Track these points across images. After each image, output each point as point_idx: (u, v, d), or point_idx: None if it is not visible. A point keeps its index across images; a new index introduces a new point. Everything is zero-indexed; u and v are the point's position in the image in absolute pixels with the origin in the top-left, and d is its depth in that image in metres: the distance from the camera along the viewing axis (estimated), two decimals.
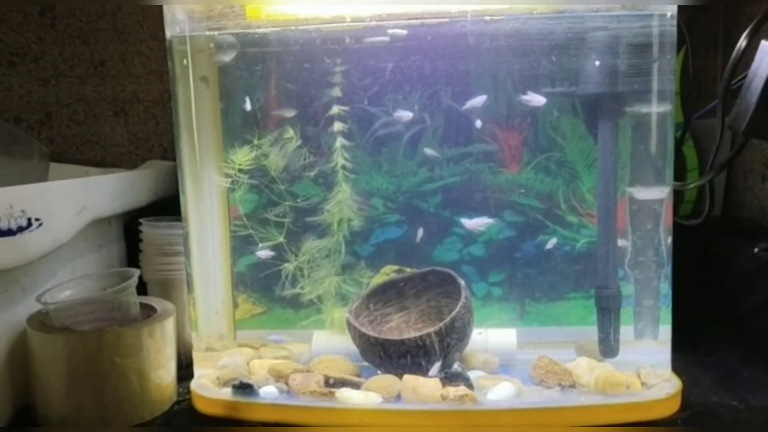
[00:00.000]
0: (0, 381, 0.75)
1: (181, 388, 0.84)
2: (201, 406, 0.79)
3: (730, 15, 1.22)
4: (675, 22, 0.75)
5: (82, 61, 1.38)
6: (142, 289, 0.92)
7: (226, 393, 0.78)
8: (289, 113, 0.84)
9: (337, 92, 0.83)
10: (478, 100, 0.80)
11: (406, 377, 0.75)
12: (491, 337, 0.84)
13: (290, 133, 0.84)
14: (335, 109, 0.83)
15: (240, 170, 0.85)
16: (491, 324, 0.85)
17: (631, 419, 0.73)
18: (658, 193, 0.78)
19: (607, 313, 0.80)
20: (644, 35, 0.75)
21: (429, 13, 0.78)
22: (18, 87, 1.39)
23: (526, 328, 0.86)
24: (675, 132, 0.81)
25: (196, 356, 0.85)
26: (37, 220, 0.73)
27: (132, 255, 1.08)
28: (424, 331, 0.77)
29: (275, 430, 0.75)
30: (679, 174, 1.04)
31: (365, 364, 0.81)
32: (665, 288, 0.79)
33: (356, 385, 0.77)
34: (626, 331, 0.81)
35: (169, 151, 1.38)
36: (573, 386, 0.76)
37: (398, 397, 0.75)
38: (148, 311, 0.83)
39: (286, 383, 0.79)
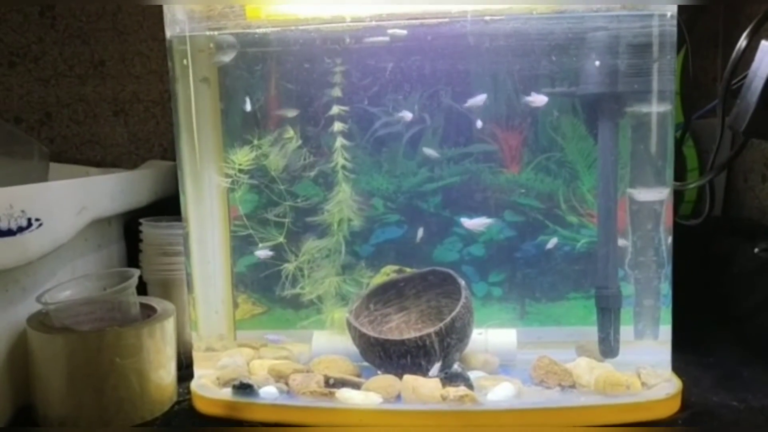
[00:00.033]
0: (0, 381, 0.75)
1: (181, 388, 0.84)
2: (201, 407, 0.79)
3: (730, 15, 1.22)
4: (675, 22, 0.75)
5: (82, 61, 1.38)
6: (142, 289, 0.92)
7: (226, 393, 0.78)
8: (290, 113, 0.84)
9: (337, 92, 0.83)
10: (479, 99, 0.80)
11: (406, 377, 0.75)
12: (491, 337, 0.84)
13: (290, 133, 0.84)
14: (335, 109, 0.83)
15: (240, 170, 0.85)
16: (491, 324, 0.85)
17: (631, 419, 0.72)
18: (658, 193, 0.78)
19: (608, 313, 0.79)
20: (644, 35, 0.75)
21: (429, 13, 0.78)
22: (18, 87, 1.39)
23: (526, 328, 0.86)
24: (675, 132, 0.81)
25: (196, 356, 0.85)
26: (37, 220, 0.73)
27: (132, 255, 1.08)
28: (424, 332, 0.77)
29: (275, 430, 0.75)
30: (679, 174, 1.04)
31: (365, 364, 0.81)
32: (665, 288, 0.79)
33: (356, 386, 0.77)
34: (626, 331, 0.81)
35: (169, 151, 1.38)
36: (573, 386, 0.76)
37: (398, 397, 0.75)
38: (148, 311, 0.83)
39: (286, 383, 0.78)
